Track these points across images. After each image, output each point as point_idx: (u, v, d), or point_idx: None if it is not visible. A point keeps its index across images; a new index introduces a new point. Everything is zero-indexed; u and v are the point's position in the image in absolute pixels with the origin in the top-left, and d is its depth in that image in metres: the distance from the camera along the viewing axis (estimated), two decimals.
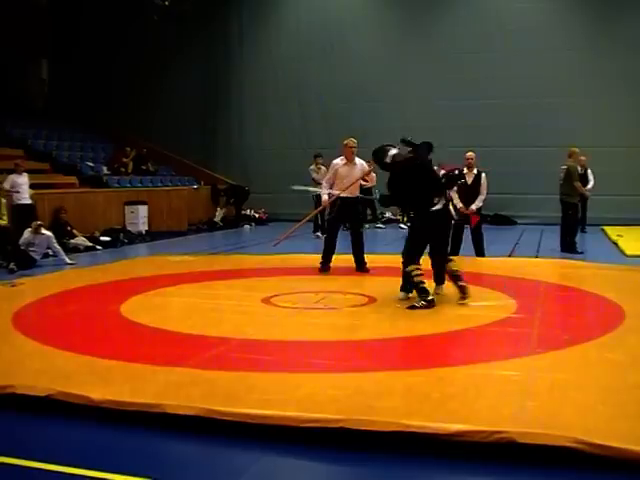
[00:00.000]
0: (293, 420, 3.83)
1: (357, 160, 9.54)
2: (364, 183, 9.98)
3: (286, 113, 20.66)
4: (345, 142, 9.58)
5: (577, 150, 12.87)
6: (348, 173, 9.42)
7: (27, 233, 11.36)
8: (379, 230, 18.02)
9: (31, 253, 11.22)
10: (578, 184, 12.58)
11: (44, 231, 11.54)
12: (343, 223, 10.23)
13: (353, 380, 4.60)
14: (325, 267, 9.44)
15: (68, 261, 11.49)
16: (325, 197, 9.65)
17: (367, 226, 18.29)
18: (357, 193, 9.66)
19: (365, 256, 9.57)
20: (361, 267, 9.51)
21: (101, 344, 5.65)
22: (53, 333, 6.08)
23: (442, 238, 7.32)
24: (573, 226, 12.65)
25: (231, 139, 21.61)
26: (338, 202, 9.40)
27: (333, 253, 9.53)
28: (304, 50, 20.70)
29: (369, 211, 18.82)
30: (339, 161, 9.52)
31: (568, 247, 12.26)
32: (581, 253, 12.04)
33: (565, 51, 18.35)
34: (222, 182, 20.59)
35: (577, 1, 18.88)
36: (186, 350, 5.44)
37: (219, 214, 19.62)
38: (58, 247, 11.70)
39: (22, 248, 11.18)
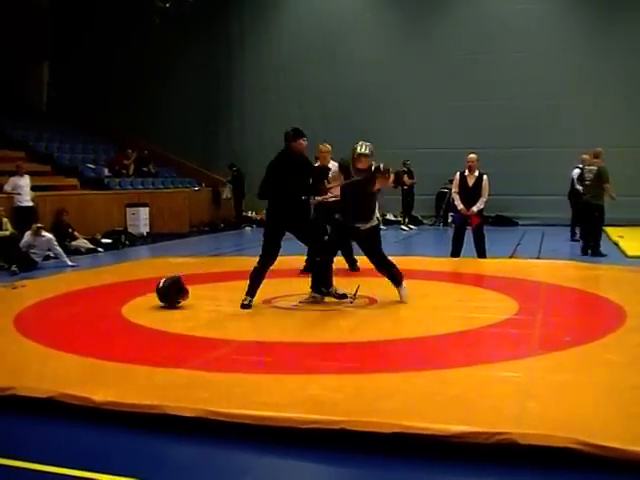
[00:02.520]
0: (294, 422, 3.83)
1: (332, 164, 9.17)
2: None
3: (287, 115, 20.64)
4: (319, 147, 9.57)
5: (601, 150, 12.54)
6: None
7: (27, 235, 11.38)
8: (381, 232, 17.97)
9: (32, 255, 11.24)
10: (608, 185, 12.09)
11: (44, 233, 11.55)
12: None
13: (354, 381, 4.60)
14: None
15: (69, 263, 11.50)
16: None
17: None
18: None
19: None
20: (353, 267, 9.60)
21: (102, 346, 5.65)
22: (55, 335, 6.08)
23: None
24: (599, 229, 12.16)
25: (232, 141, 21.63)
26: (318, 206, 9.28)
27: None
28: (305, 52, 20.75)
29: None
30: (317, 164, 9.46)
31: (594, 250, 11.90)
32: (605, 255, 11.76)
33: (565, 52, 18.40)
34: (223, 184, 20.61)
35: (577, 2, 18.90)
36: (187, 352, 5.44)
37: (225, 192, 19.86)
38: (59, 249, 11.71)
39: (23, 250, 11.19)
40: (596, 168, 12.28)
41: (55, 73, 23.73)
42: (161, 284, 7.20)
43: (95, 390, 4.33)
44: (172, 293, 7.18)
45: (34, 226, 11.51)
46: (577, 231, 14.36)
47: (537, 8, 19.02)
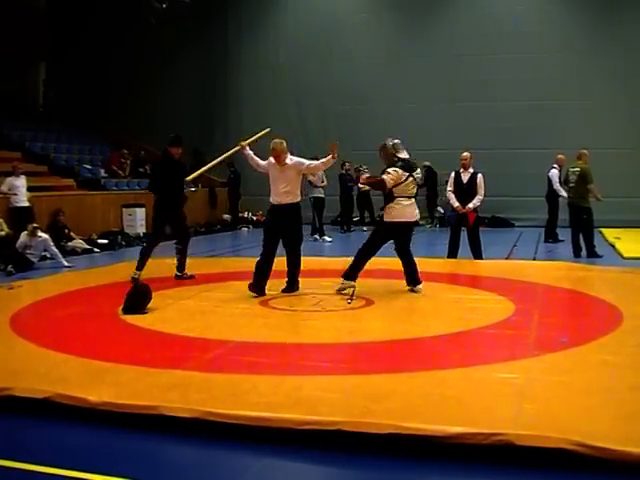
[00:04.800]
0: (291, 422, 3.83)
1: (290, 160, 8.12)
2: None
3: (284, 115, 20.67)
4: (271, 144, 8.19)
5: (586, 152, 12.57)
6: (276, 176, 8.10)
7: (23, 236, 11.35)
8: None
9: (28, 256, 11.21)
10: (592, 186, 12.06)
11: (40, 233, 11.53)
12: (278, 235, 8.15)
13: (351, 382, 4.60)
14: (258, 288, 7.90)
15: (65, 264, 11.48)
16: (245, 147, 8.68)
17: (365, 229, 18.32)
18: (296, 199, 8.14)
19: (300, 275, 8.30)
20: (290, 287, 8.15)
21: (99, 346, 5.65)
22: (51, 336, 6.07)
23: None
24: (590, 230, 12.10)
25: (229, 141, 21.45)
26: (268, 210, 8.35)
27: (269, 269, 8.03)
28: (302, 52, 20.76)
29: (367, 214, 18.82)
30: (271, 159, 8.21)
31: (589, 252, 11.89)
32: (601, 256, 11.71)
33: (564, 53, 18.41)
34: (220, 184, 20.60)
35: (576, 3, 18.92)
36: (184, 352, 5.44)
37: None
38: (55, 250, 11.69)
39: (20, 251, 11.16)
40: (578, 169, 12.27)
41: (52, 73, 23.71)
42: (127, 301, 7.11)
43: (91, 391, 4.32)
44: (140, 302, 7.11)
45: (29, 226, 11.49)
46: (557, 232, 14.36)
47: (536, 9, 19.04)
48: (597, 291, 8.06)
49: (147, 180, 19.32)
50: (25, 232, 11.42)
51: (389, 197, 7.89)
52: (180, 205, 9.58)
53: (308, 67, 20.66)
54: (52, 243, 11.69)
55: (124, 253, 13.87)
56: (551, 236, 14.40)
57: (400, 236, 8.09)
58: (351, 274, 7.99)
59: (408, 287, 8.08)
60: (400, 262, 8.15)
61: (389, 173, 7.81)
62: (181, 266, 9.55)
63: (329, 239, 15.81)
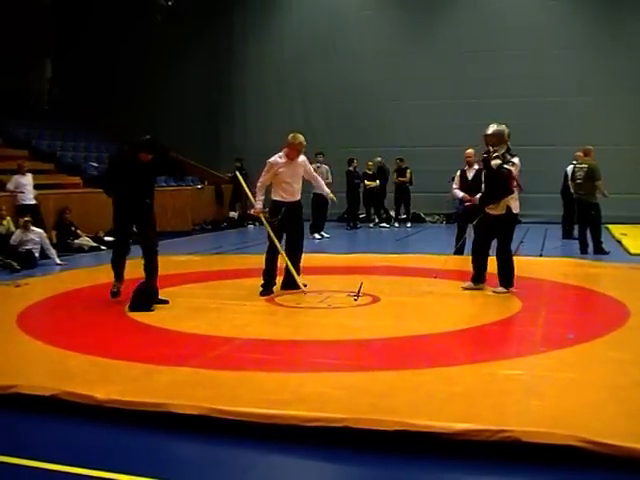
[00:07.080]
0: (298, 419, 3.83)
1: (302, 158, 8.27)
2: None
3: (289, 113, 20.66)
4: (291, 138, 8.10)
5: (592, 148, 12.45)
6: (292, 173, 8.07)
7: (17, 232, 11.28)
8: (383, 230, 17.99)
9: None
10: (599, 183, 11.95)
11: (34, 228, 11.42)
12: (284, 230, 8.18)
13: (358, 379, 4.60)
14: (268, 290, 7.92)
15: (57, 261, 11.36)
16: (259, 206, 8.23)
17: (371, 225, 18.33)
18: (299, 195, 8.22)
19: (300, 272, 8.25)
20: (292, 282, 8.08)
21: (105, 344, 5.66)
22: (57, 333, 6.09)
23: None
24: (598, 226, 12.02)
25: (234, 138, 21.61)
26: (284, 210, 8.00)
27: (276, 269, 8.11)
28: (307, 50, 20.74)
29: (373, 211, 18.80)
30: (279, 159, 8.05)
31: (596, 248, 11.83)
32: (608, 253, 11.68)
33: (567, 50, 18.36)
34: (226, 181, 20.60)
35: (579, 0, 18.86)
36: (190, 350, 5.44)
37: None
38: (49, 246, 11.55)
39: (18, 248, 11.09)
40: (586, 166, 12.20)
41: (57, 70, 23.76)
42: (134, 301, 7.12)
43: (98, 388, 4.33)
44: (147, 300, 7.12)
45: (21, 220, 11.41)
46: (569, 228, 14.26)
47: (539, 6, 18.97)
48: (604, 288, 8.05)
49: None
50: (19, 228, 11.36)
51: (507, 188, 7.55)
52: (143, 212, 8.17)
53: (313, 65, 20.64)
54: (47, 240, 11.60)
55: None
56: (570, 233, 14.16)
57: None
58: (512, 279, 7.76)
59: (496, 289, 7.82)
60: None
61: (515, 164, 7.61)
62: None
63: (325, 236, 15.66)
